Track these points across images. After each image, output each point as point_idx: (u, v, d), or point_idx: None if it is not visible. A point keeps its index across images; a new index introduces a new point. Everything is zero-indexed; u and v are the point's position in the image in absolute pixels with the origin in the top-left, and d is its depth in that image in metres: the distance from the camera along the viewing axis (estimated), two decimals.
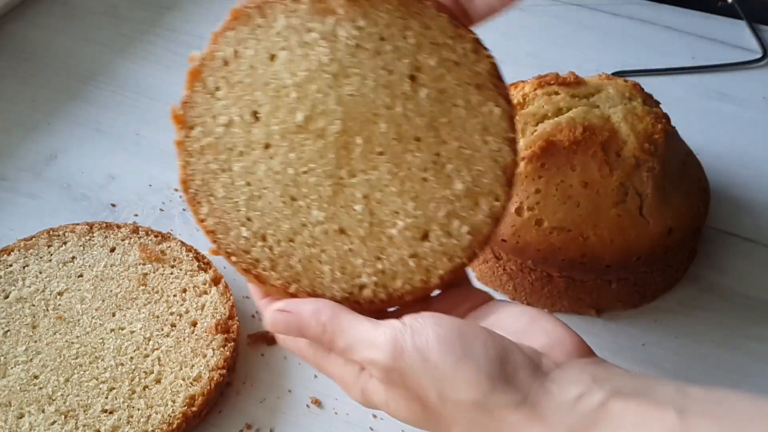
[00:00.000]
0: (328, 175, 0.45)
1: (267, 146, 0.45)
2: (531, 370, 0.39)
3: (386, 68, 0.45)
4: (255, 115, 0.46)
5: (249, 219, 0.45)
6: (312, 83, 0.45)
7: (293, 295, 0.45)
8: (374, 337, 0.40)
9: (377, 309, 0.44)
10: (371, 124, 0.45)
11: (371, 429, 0.53)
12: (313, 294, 0.44)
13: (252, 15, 0.45)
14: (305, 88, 0.45)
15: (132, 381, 0.52)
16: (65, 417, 0.50)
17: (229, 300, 0.56)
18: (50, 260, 0.58)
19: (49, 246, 0.59)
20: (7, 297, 0.56)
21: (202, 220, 0.46)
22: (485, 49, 0.46)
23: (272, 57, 0.45)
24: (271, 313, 0.43)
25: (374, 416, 0.54)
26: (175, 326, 0.55)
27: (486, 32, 0.47)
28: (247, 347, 0.57)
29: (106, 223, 0.60)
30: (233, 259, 0.45)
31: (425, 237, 0.45)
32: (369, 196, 0.45)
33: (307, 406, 0.54)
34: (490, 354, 0.39)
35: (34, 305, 0.55)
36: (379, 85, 0.45)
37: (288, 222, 0.45)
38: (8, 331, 0.54)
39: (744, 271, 0.61)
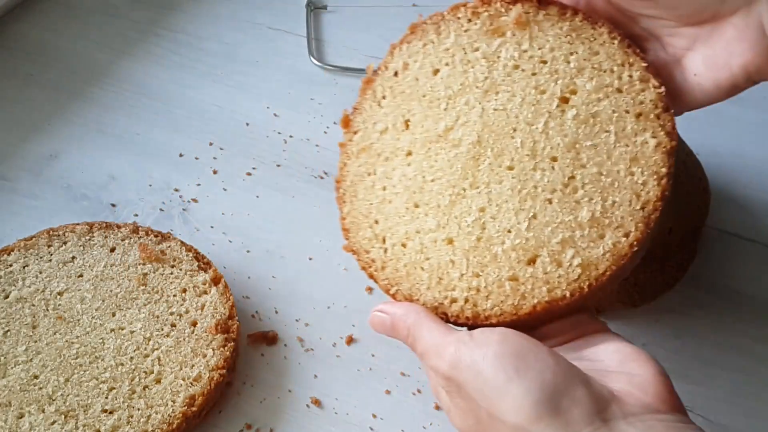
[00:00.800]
0: (452, 185, 0.45)
1: (409, 153, 0.47)
2: (591, 411, 0.37)
3: (538, 88, 0.45)
4: (406, 123, 0.47)
5: (376, 221, 0.47)
6: (462, 96, 0.46)
7: (394, 296, 0.46)
8: (442, 347, 0.41)
9: (462, 324, 0.44)
10: (507, 138, 0.45)
11: (371, 429, 0.53)
12: (409, 299, 0.45)
13: (427, 30, 0.48)
14: (455, 101, 0.46)
15: (132, 381, 0.52)
16: (65, 417, 0.50)
17: (229, 300, 0.56)
18: (50, 260, 0.58)
19: (49, 246, 0.59)
20: (7, 297, 0.56)
21: (343, 218, 0.48)
22: (655, 78, 0.44)
23: (435, 71, 0.47)
24: (371, 314, 0.45)
25: (374, 416, 0.54)
26: (175, 326, 0.55)
27: None
28: (247, 347, 0.57)
29: (106, 223, 0.60)
30: (356, 256, 0.48)
31: (532, 262, 0.43)
32: (484, 210, 0.44)
33: (307, 406, 0.54)
34: (546, 381, 0.37)
35: (34, 305, 0.55)
36: (526, 102, 0.45)
37: (405, 227, 0.46)
38: (8, 331, 0.54)
39: (744, 271, 0.61)
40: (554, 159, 0.44)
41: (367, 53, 0.78)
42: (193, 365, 0.53)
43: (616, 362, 0.41)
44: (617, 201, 0.43)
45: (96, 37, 0.80)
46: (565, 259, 0.42)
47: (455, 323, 0.44)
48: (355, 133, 0.49)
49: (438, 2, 0.83)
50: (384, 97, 0.48)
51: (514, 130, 0.45)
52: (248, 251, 0.63)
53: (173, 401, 0.51)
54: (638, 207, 0.43)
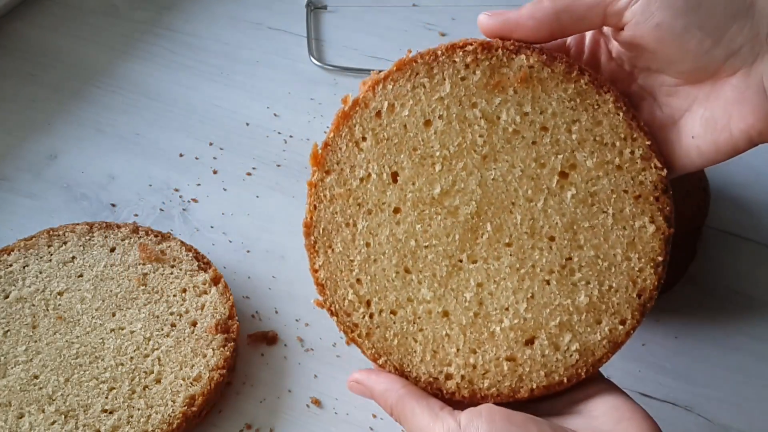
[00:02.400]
0: (448, 256, 0.44)
1: (397, 211, 0.44)
2: None
3: (538, 160, 0.43)
4: (394, 176, 0.44)
5: (359, 281, 0.44)
6: (460, 160, 0.44)
7: (382, 367, 0.44)
8: None
9: (458, 402, 0.43)
10: (506, 212, 0.43)
11: (371, 429, 0.53)
12: (400, 370, 0.44)
13: (418, 71, 0.44)
14: (452, 164, 0.44)
15: (132, 381, 0.52)
16: (65, 417, 0.50)
17: (229, 300, 0.56)
18: (50, 260, 0.58)
19: (49, 246, 0.59)
20: (7, 297, 0.56)
21: (315, 270, 0.45)
22: (658, 158, 0.43)
23: (427, 123, 0.44)
24: (349, 381, 0.44)
25: (374, 416, 0.54)
26: (175, 326, 0.55)
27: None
28: (247, 347, 0.57)
29: (106, 223, 0.60)
30: (335, 318, 0.45)
31: (529, 343, 0.42)
32: (483, 286, 0.43)
33: (307, 406, 0.54)
34: None
35: (34, 305, 0.55)
36: (526, 175, 0.43)
37: (395, 293, 0.44)
38: (8, 331, 0.54)
39: (744, 271, 0.61)
40: (552, 239, 0.43)
41: (367, 53, 0.78)
42: (193, 365, 0.53)
43: (613, 421, 0.40)
44: (614, 286, 0.42)
45: (96, 37, 0.80)
46: (563, 342, 0.42)
47: (450, 401, 0.43)
48: (327, 172, 0.45)
49: (438, 3, 0.83)
50: (364, 139, 0.44)
51: (513, 204, 0.43)
52: (248, 251, 0.63)
53: (173, 401, 0.51)
54: (635, 294, 0.42)
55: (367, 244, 0.44)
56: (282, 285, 0.61)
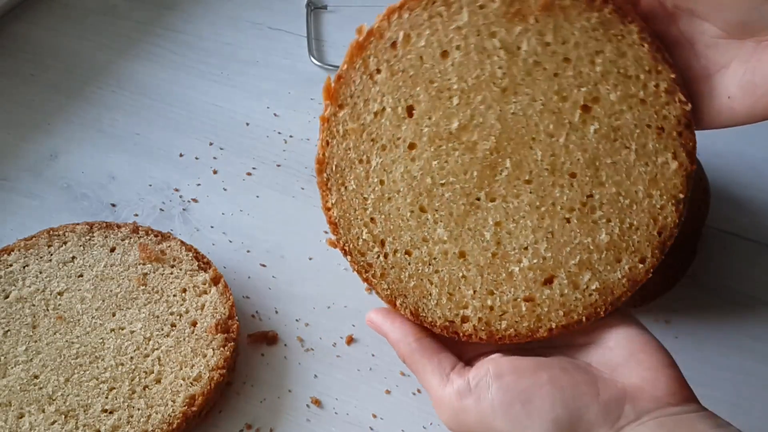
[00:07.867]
0: (465, 194, 0.42)
1: (412, 146, 0.43)
2: (607, 425, 0.37)
3: (560, 93, 0.41)
4: (410, 110, 0.42)
5: (372, 220, 0.43)
6: (478, 93, 0.42)
7: (398, 309, 0.44)
8: (441, 397, 0.41)
9: (475, 344, 0.43)
10: (526, 148, 0.42)
11: (371, 429, 0.53)
12: (415, 313, 0.43)
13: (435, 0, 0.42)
14: (470, 97, 0.42)
15: (132, 381, 0.52)
16: (65, 417, 0.50)
17: (229, 300, 0.56)
18: (50, 260, 0.58)
19: (49, 246, 0.59)
20: (7, 297, 0.56)
21: (328, 209, 0.44)
22: (682, 92, 0.41)
23: (444, 54, 0.42)
24: (366, 318, 0.45)
25: (374, 416, 0.54)
26: (175, 326, 0.55)
27: None
28: (247, 347, 0.57)
29: (106, 223, 0.60)
30: (348, 258, 0.44)
31: (548, 282, 0.42)
32: (501, 225, 0.42)
33: (307, 406, 0.54)
34: (559, 416, 0.38)
35: (34, 305, 0.55)
36: (547, 109, 0.41)
37: (410, 233, 0.43)
38: (8, 331, 0.54)
39: (744, 271, 0.61)
40: (573, 175, 0.42)
41: None
42: (193, 365, 0.53)
43: (626, 355, 0.40)
44: (635, 224, 0.41)
45: (96, 37, 0.80)
46: (582, 281, 0.41)
47: (467, 342, 0.43)
48: (340, 107, 0.43)
49: None
50: (378, 71, 0.43)
51: (534, 139, 0.42)
52: (248, 251, 0.63)
53: (173, 401, 0.51)
54: (655, 232, 0.41)
55: (381, 182, 0.43)
56: (282, 285, 0.61)
